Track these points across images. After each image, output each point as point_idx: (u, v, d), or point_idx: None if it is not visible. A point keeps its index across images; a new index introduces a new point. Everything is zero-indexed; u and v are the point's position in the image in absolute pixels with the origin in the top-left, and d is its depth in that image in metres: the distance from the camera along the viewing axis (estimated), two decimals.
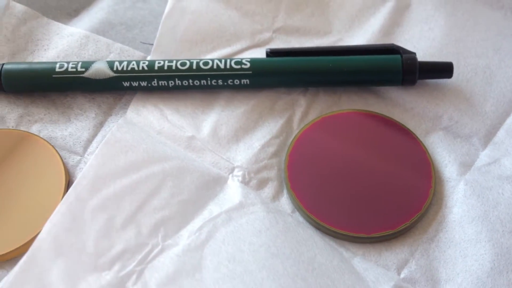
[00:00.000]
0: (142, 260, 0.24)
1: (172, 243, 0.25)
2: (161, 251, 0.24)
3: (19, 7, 0.33)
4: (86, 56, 0.32)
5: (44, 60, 0.32)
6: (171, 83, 0.30)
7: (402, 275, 0.26)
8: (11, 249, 0.25)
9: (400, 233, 0.27)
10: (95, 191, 0.25)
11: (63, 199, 0.25)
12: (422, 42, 0.32)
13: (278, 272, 0.24)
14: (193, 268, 0.24)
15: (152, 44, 0.32)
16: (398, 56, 0.30)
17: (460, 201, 0.27)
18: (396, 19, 0.33)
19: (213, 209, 0.26)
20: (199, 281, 0.23)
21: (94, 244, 0.24)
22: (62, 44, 0.32)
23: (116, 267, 0.23)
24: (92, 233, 0.24)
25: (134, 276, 0.23)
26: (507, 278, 0.25)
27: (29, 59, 0.32)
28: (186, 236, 0.25)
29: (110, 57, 0.32)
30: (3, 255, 0.25)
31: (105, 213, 0.25)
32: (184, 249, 0.24)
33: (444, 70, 0.30)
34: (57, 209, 0.24)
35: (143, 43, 0.32)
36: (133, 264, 0.24)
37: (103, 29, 0.33)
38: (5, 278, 0.23)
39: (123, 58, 0.32)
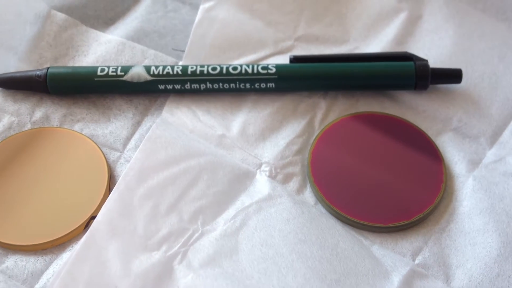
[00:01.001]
0: (185, 242, 0.26)
1: (210, 228, 0.27)
2: (201, 235, 0.27)
3: (60, 16, 0.35)
4: (123, 62, 0.34)
5: (84, 64, 0.34)
6: (203, 86, 0.32)
7: (416, 261, 0.28)
8: (61, 235, 0.28)
9: (415, 224, 0.29)
10: (141, 181, 0.28)
11: (115, 187, 0.27)
12: (433, 50, 0.34)
13: (306, 255, 0.26)
14: (230, 250, 0.26)
15: (183, 51, 0.35)
16: (412, 62, 0.32)
17: (469, 195, 0.30)
18: (409, 29, 0.35)
19: (244, 200, 0.29)
20: (236, 261, 0.26)
21: (143, 227, 0.26)
22: (100, 50, 0.35)
23: (163, 248, 0.26)
24: (141, 218, 0.26)
25: (179, 256, 0.26)
26: None
27: (70, 64, 0.34)
28: (222, 223, 0.27)
29: (145, 63, 0.34)
30: (53, 240, 0.28)
31: (150, 200, 0.27)
32: (221, 234, 0.27)
33: (453, 76, 0.33)
34: (110, 196, 0.27)
35: (175, 49, 0.35)
36: (178, 245, 0.26)
37: (138, 37, 0.35)
38: (69, 255, 0.26)
39: (156, 64, 0.34)
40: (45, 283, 0.27)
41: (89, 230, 0.26)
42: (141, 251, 0.26)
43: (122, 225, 0.26)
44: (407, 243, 0.28)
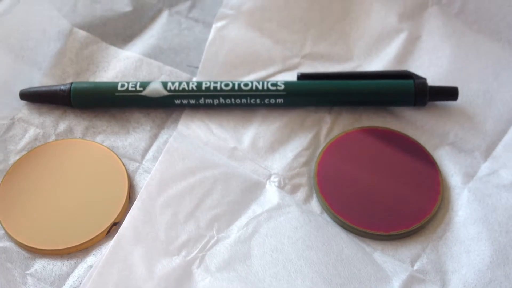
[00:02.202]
0: (202, 248, 0.29)
1: (224, 235, 0.29)
2: (217, 241, 0.29)
3: (82, 33, 0.38)
4: (140, 77, 0.36)
5: (104, 79, 0.36)
6: (216, 101, 0.34)
7: (415, 267, 0.30)
8: (85, 240, 0.30)
9: (413, 232, 0.31)
10: (161, 191, 0.30)
11: (138, 196, 0.29)
12: (431, 69, 0.36)
13: (313, 261, 0.28)
14: (244, 255, 0.28)
15: (197, 67, 0.37)
16: (411, 81, 0.34)
17: (464, 205, 0.32)
18: (409, 48, 0.37)
19: (256, 209, 0.31)
20: (249, 266, 0.28)
21: (164, 234, 0.28)
22: (119, 66, 0.37)
23: (183, 253, 0.28)
24: (162, 225, 0.29)
25: (198, 261, 0.28)
26: (504, 270, 0.29)
27: (91, 79, 0.36)
28: (235, 230, 0.30)
29: (161, 78, 0.36)
30: (78, 245, 0.30)
31: (170, 209, 0.29)
32: (235, 240, 0.29)
33: (450, 93, 0.35)
34: (134, 204, 0.29)
35: (189, 66, 0.37)
36: (196, 251, 0.28)
37: (155, 54, 0.37)
38: (95, 258, 0.28)
39: (172, 79, 0.36)
40: (71, 285, 0.29)
41: (116, 236, 0.28)
42: (163, 256, 0.28)
43: (145, 231, 0.28)
44: (407, 250, 0.30)
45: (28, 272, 0.29)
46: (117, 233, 0.28)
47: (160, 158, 0.31)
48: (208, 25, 0.38)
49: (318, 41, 0.38)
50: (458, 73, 0.36)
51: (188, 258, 0.28)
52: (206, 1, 0.40)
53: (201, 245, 0.29)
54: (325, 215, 0.31)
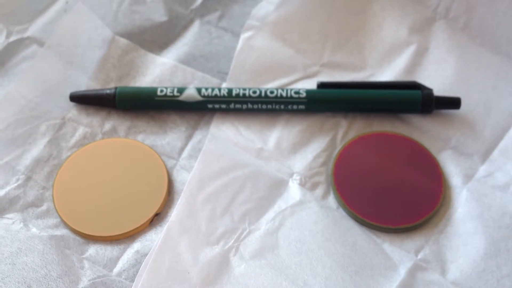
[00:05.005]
0: (237, 239, 0.33)
1: (255, 228, 0.34)
2: (249, 233, 0.33)
3: (123, 41, 0.41)
4: (176, 82, 0.40)
5: (143, 83, 0.40)
6: (245, 106, 0.38)
7: (419, 257, 0.33)
8: (132, 229, 0.34)
9: (418, 226, 0.34)
10: (201, 188, 0.34)
11: (182, 194, 0.34)
12: (437, 79, 0.39)
13: (332, 251, 0.33)
14: (272, 246, 0.33)
15: (226, 74, 0.40)
16: (419, 91, 0.38)
17: (463, 203, 0.35)
18: (417, 60, 0.40)
19: (281, 204, 0.35)
20: (277, 255, 0.32)
21: (205, 227, 0.33)
22: (156, 72, 0.40)
23: (221, 243, 0.33)
24: (203, 218, 0.33)
25: (234, 250, 0.32)
26: (496, 261, 0.33)
27: (132, 83, 0.40)
28: (264, 223, 0.34)
29: (194, 83, 0.40)
30: (125, 232, 0.34)
31: (209, 204, 0.34)
32: (264, 232, 0.33)
33: (454, 103, 0.38)
34: (179, 201, 0.33)
35: (219, 72, 0.41)
36: (232, 241, 0.33)
37: (188, 60, 0.41)
38: (148, 245, 0.33)
39: (204, 85, 0.40)
40: (121, 267, 0.33)
41: (165, 228, 0.32)
42: (205, 245, 0.32)
43: (189, 224, 0.33)
44: (412, 242, 0.34)
45: (84, 256, 0.33)
46: (166, 225, 0.33)
47: (198, 159, 0.35)
48: (236, 34, 0.42)
49: (336, 51, 0.41)
50: (461, 84, 0.39)
51: (226, 247, 0.33)
52: (233, 12, 0.43)
53: (236, 236, 0.33)
54: (340, 210, 0.36)
